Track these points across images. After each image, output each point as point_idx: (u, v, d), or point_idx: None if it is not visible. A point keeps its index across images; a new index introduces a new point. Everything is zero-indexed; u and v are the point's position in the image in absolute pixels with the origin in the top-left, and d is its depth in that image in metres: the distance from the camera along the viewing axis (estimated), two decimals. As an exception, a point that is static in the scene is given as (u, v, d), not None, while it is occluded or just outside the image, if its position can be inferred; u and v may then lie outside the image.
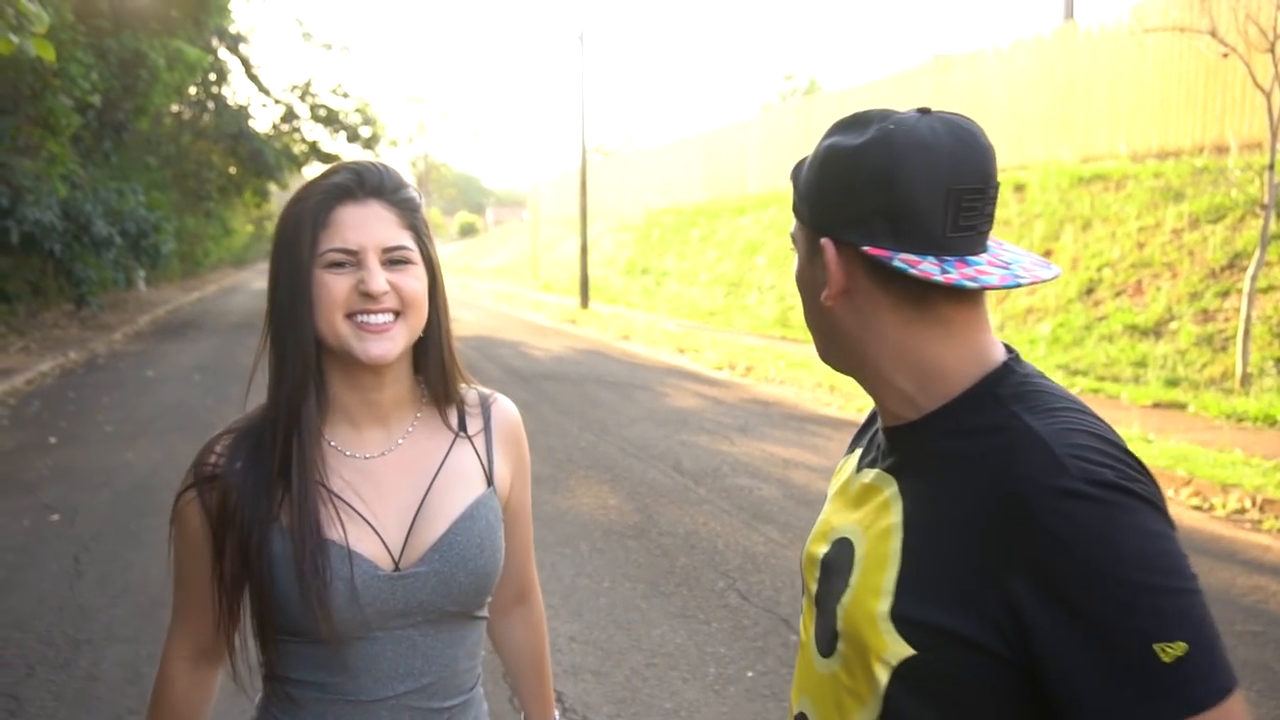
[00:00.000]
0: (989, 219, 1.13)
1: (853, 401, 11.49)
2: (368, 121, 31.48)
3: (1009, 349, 1.18)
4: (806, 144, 25.06)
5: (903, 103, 21.41)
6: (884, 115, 1.13)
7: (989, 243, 1.15)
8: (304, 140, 31.90)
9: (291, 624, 1.40)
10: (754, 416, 10.92)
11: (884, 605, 1.10)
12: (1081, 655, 0.97)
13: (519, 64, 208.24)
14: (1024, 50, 18.49)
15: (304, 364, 1.41)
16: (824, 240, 1.15)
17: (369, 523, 1.43)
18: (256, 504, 1.40)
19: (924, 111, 1.13)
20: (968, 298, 1.13)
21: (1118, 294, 13.03)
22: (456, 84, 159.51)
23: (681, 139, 34.24)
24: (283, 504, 1.40)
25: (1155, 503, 1.01)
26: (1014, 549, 1.00)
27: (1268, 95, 10.05)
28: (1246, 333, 10.16)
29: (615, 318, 22.44)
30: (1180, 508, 7.17)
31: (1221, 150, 13.71)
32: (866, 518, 1.19)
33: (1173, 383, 10.86)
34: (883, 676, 1.10)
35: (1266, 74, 10.03)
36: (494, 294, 33.94)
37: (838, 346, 1.21)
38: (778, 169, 26.27)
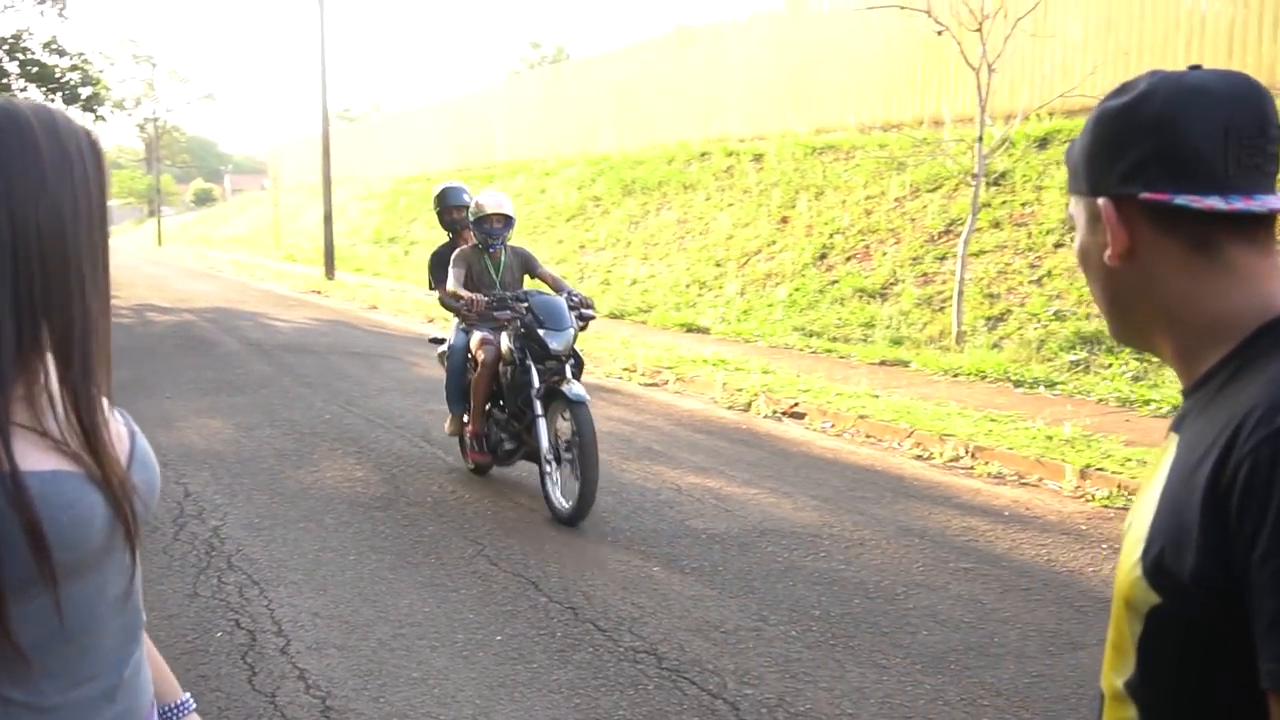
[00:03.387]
0: (1273, 160, 1.10)
1: (601, 366, 11.66)
2: (88, 81, 29.31)
3: None
4: (554, 111, 25.14)
5: (646, 71, 21.80)
6: (1152, 73, 1.13)
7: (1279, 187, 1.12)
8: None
9: None
10: (504, 384, 10.92)
11: (1137, 553, 1.08)
12: (1259, 586, 0.94)
13: (257, 23, 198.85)
14: (761, 24, 19.14)
15: None
16: (1102, 200, 1.14)
17: None
18: None
19: (1194, 68, 1.13)
20: (1256, 242, 1.10)
21: (848, 259, 13.74)
22: (189, 43, 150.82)
23: (429, 105, 33.71)
24: None
25: None
26: (1224, 476, 0.98)
27: (977, 73, 10.78)
28: (960, 294, 10.92)
29: (362, 287, 21.92)
30: (903, 458, 7.67)
31: (938, 124, 14.63)
32: (1151, 477, 1.16)
33: (897, 342, 11.57)
34: (1136, 628, 1.09)
35: (976, 53, 10.75)
36: (234, 264, 32.48)
37: (1128, 315, 1.20)
38: (526, 137, 26.23)
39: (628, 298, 16.30)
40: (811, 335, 12.42)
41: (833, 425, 8.67)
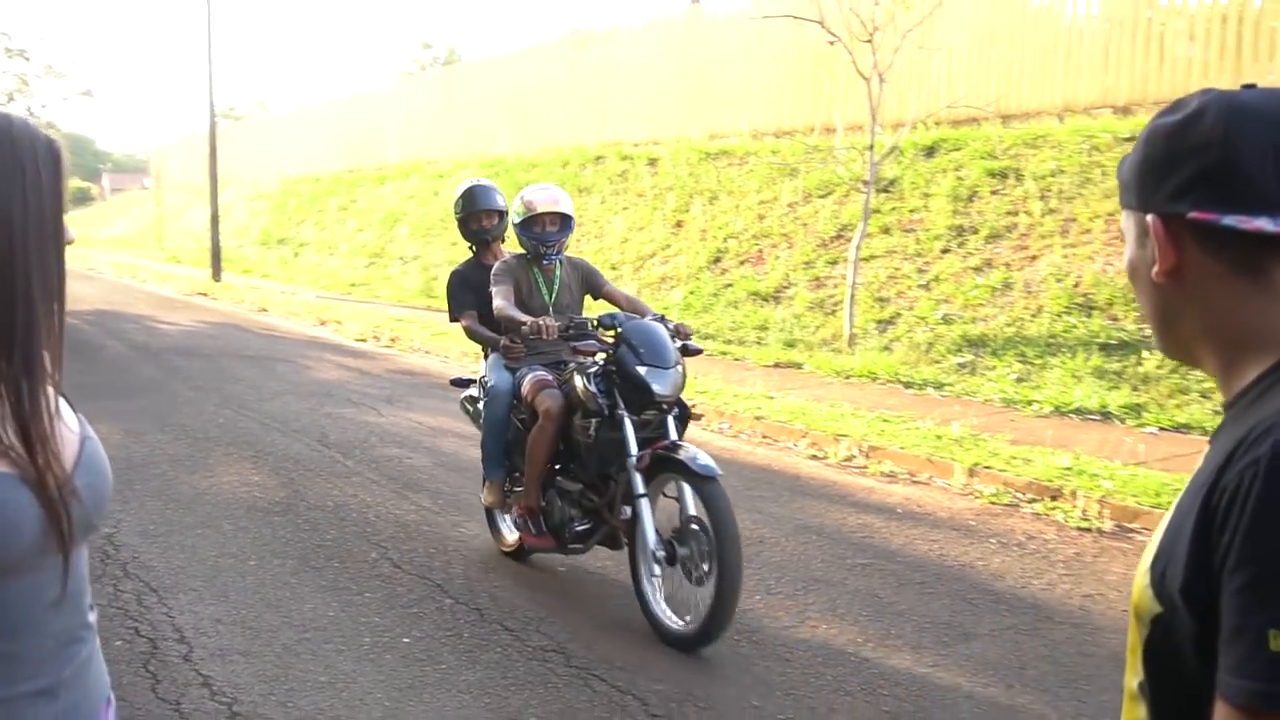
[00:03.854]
0: None
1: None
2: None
3: None
4: (447, 113, 24.99)
5: (541, 75, 21.81)
6: (1204, 92, 1.13)
7: None
8: None
9: None
10: (400, 386, 10.85)
11: (1147, 562, 1.10)
12: (1225, 600, 0.97)
13: (138, 18, 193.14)
14: (656, 30, 19.31)
15: None
16: (1150, 217, 1.14)
17: None
18: None
19: (1248, 86, 1.12)
20: None
21: (742, 262, 13.95)
22: (66, 37, 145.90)
23: (318, 105, 33.19)
24: None
25: None
26: (1216, 492, 1.01)
27: (868, 82, 11.06)
28: (852, 298, 11.18)
29: (251, 289, 21.49)
30: (799, 458, 7.85)
31: (830, 131, 14.93)
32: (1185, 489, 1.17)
33: (790, 344, 11.79)
34: (1143, 634, 1.11)
35: (867, 63, 11.03)
36: (115, 266, 31.51)
37: (1173, 330, 1.19)
38: (419, 138, 26.01)
39: (524, 301, 16.28)
40: (707, 338, 12.59)
41: (730, 426, 8.82)
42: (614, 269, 15.66)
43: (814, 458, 7.86)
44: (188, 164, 41.55)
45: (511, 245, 5.92)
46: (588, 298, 5.65)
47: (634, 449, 4.62)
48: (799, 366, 10.92)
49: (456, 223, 6.04)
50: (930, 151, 13.27)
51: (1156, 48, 12.16)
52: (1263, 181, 1.06)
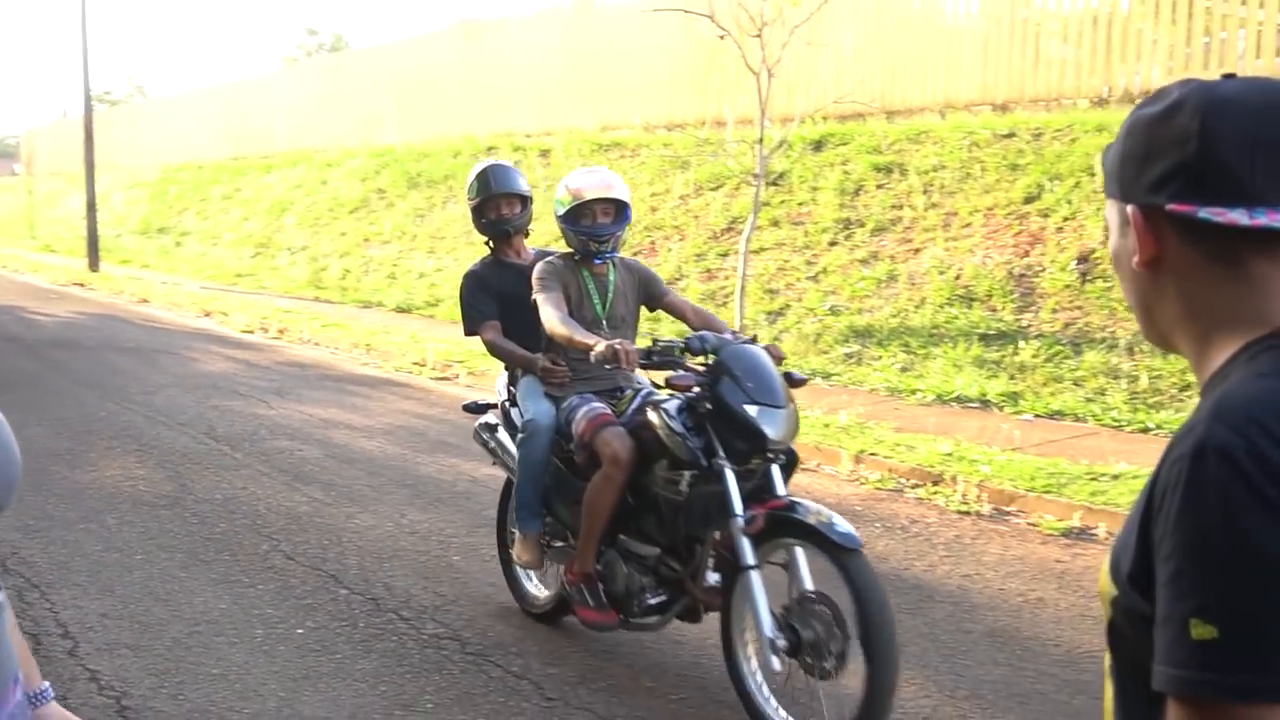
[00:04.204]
0: None
1: (390, 360, 11.57)
2: None
3: None
4: (336, 101, 24.60)
5: (431, 64, 21.61)
6: (1184, 82, 1.13)
7: None
8: None
9: None
10: (290, 379, 10.70)
11: (1113, 546, 1.14)
12: (1158, 589, 1.01)
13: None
14: (547, 20, 19.30)
15: None
16: (1130, 207, 1.16)
17: None
18: None
19: (1229, 76, 1.13)
20: (1277, 256, 1.11)
21: (635, 254, 14.04)
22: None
23: (201, 90, 32.37)
24: None
25: (1262, 489, 0.96)
26: (1155, 485, 1.04)
27: (757, 77, 11.23)
28: (743, 289, 11.35)
29: (131, 280, 20.87)
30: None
31: (721, 124, 15.11)
32: None
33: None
34: (1106, 616, 1.14)
35: (756, 58, 11.20)
36: (-17, 255, 30.30)
37: (1153, 318, 1.21)
38: (307, 126, 25.54)
39: (415, 291, 16.16)
40: (600, 329, 12.65)
41: (623, 416, 8.90)
42: (506, 260, 15.63)
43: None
44: (61, 149, 40.05)
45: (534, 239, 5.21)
46: (642, 308, 4.64)
47: (739, 508, 3.62)
48: (691, 357, 11.03)
49: (470, 211, 5.03)
50: (818, 146, 13.53)
51: (1032, 48, 12.58)
52: (1239, 174, 1.07)
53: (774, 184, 13.18)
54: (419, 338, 12.54)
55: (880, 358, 10.08)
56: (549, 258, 4.55)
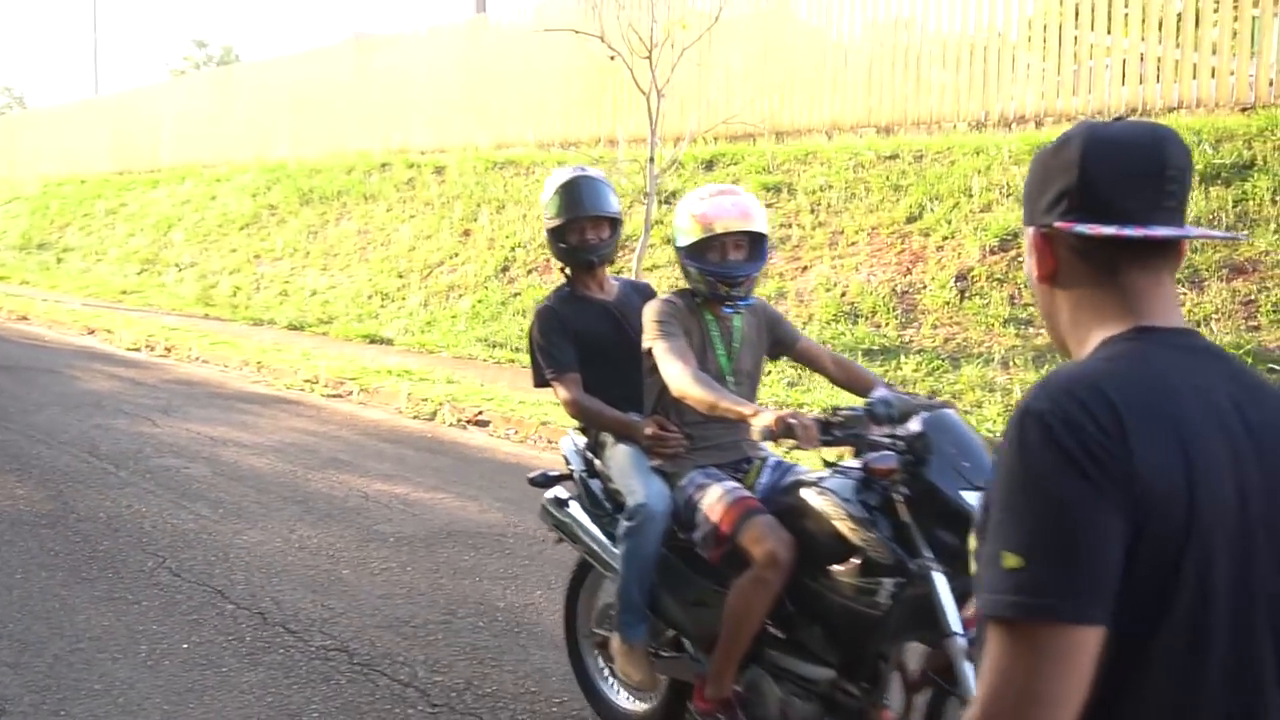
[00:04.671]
0: (1171, 198, 1.32)
1: (281, 378, 11.46)
2: None
3: (1186, 329, 1.34)
4: (225, 115, 24.22)
5: (324, 78, 21.44)
6: (1081, 123, 1.37)
7: (1186, 224, 1.35)
8: None
9: None
10: (177, 396, 10.53)
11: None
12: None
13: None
14: (441, 38, 19.31)
15: None
16: (1029, 228, 1.39)
17: None
18: None
19: (1118, 119, 1.37)
20: (1149, 267, 1.33)
21: (529, 271, 14.14)
22: None
23: (84, 102, 31.56)
24: None
25: (1067, 446, 1.16)
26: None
27: (647, 97, 11.43)
28: (635, 306, 11.51)
29: (9, 297, 20.23)
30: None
31: (614, 143, 15.29)
32: None
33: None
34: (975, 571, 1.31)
35: (647, 79, 11.40)
36: None
37: (1054, 326, 1.42)
38: (195, 140, 25.08)
39: (307, 309, 16.01)
40: (495, 346, 12.71)
41: (516, 432, 8.98)
42: (401, 277, 15.59)
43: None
44: (-64, 162, 38.66)
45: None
46: (764, 356, 3.80)
47: (958, 624, 2.75)
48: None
49: (547, 233, 4.10)
50: (710, 165, 13.78)
51: (915, 73, 13.02)
52: (1111, 197, 1.31)
53: (666, 202, 13.37)
54: (311, 355, 12.44)
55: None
56: (667, 296, 3.60)
